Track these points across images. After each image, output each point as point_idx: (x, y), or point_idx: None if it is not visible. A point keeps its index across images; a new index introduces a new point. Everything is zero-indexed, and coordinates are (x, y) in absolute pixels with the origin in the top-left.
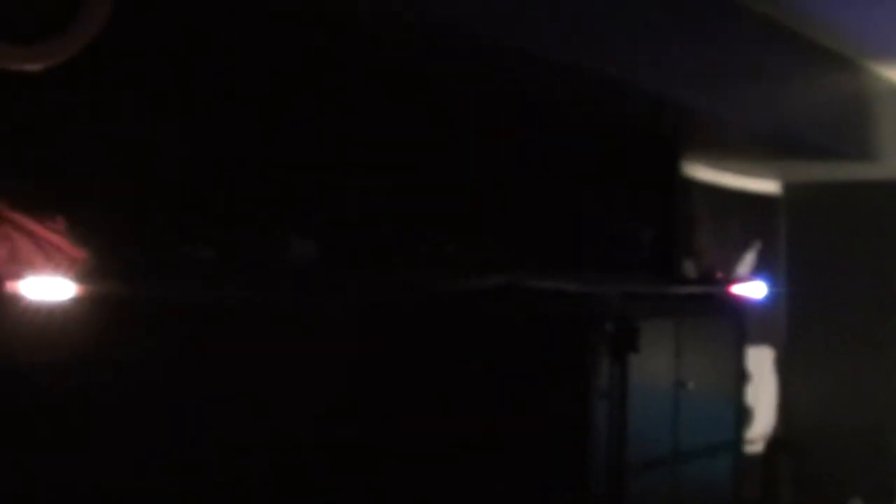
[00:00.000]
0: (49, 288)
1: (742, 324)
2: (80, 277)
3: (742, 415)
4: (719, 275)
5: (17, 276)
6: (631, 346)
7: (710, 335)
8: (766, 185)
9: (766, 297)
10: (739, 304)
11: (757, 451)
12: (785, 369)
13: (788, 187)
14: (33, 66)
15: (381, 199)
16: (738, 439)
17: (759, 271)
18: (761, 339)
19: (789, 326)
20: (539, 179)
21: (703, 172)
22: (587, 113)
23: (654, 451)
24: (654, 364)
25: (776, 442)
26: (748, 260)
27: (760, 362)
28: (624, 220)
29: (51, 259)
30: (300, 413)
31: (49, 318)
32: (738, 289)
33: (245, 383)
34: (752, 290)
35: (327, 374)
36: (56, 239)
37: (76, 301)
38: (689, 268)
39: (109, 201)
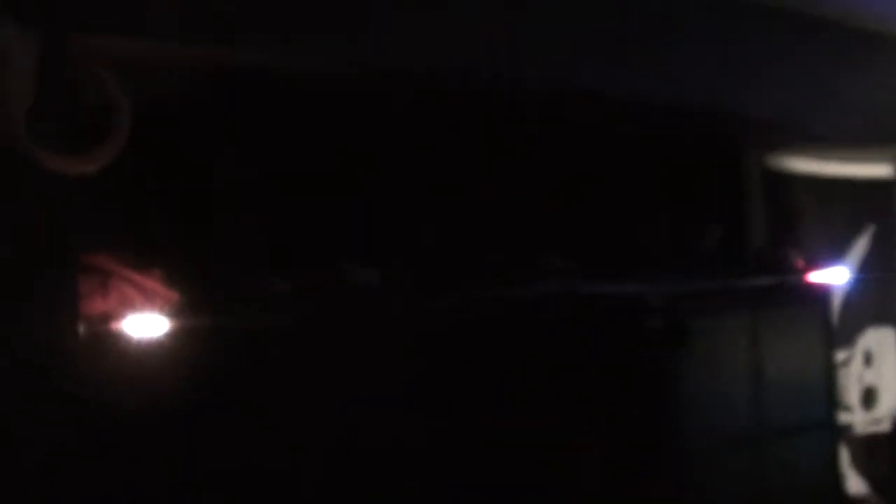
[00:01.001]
0: (149, 325)
1: (825, 309)
2: (175, 314)
3: (834, 397)
4: (799, 263)
5: (125, 317)
6: (679, 342)
7: (790, 322)
8: (877, 170)
9: (848, 283)
10: (819, 291)
11: (884, 430)
12: None
13: None
14: (85, 170)
15: (436, 221)
16: (829, 419)
17: (873, 255)
18: (882, 320)
19: None
20: (601, 185)
21: (806, 164)
22: (651, 123)
23: (732, 434)
24: (729, 353)
25: None
26: (861, 245)
27: (882, 343)
28: (691, 220)
29: (150, 301)
30: (372, 428)
31: (150, 348)
32: (817, 276)
33: (320, 402)
34: (833, 276)
35: (396, 390)
36: (153, 285)
37: (171, 334)
38: (794, 258)
39: (196, 251)
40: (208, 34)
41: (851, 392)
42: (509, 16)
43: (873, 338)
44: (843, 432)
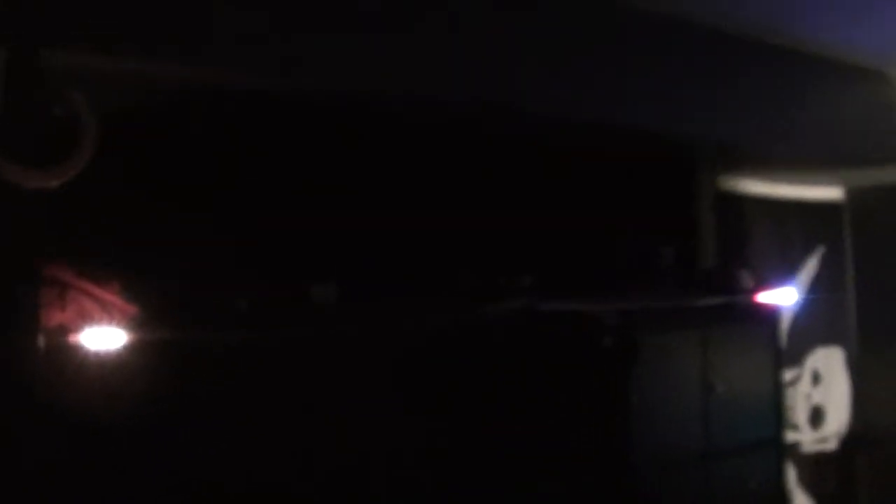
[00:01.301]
0: (107, 337)
1: (773, 328)
2: (132, 328)
3: (781, 415)
4: (749, 284)
5: (83, 329)
6: (631, 359)
7: (740, 341)
8: (827, 192)
9: (797, 303)
10: (768, 311)
11: (830, 449)
12: (858, 369)
13: (851, 192)
14: (48, 184)
15: (394, 237)
16: (777, 437)
17: (822, 276)
18: (830, 340)
19: (860, 327)
20: (557, 205)
21: (757, 186)
22: (606, 145)
23: (682, 450)
24: (680, 371)
25: (851, 440)
26: (811, 266)
27: (830, 362)
28: (644, 241)
29: (108, 314)
30: (332, 441)
31: (107, 361)
32: (766, 296)
33: (277, 416)
34: (781, 296)
35: (354, 404)
36: (112, 298)
37: (129, 347)
38: (746, 278)
39: (155, 265)
40: (174, 50)
41: (799, 411)
42: (473, 41)
43: (821, 357)
44: (791, 451)
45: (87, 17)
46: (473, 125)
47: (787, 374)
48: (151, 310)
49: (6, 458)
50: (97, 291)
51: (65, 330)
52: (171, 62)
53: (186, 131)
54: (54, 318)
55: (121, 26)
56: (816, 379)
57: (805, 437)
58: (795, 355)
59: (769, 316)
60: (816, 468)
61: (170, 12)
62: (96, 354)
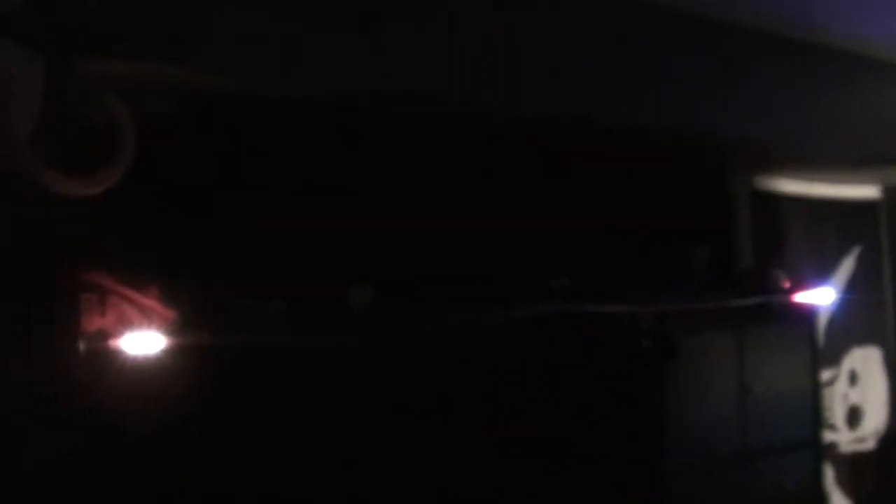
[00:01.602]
0: (146, 342)
1: (810, 329)
2: (171, 333)
3: (819, 415)
4: (785, 284)
5: (122, 334)
6: (668, 360)
7: (776, 341)
8: (863, 191)
9: (834, 303)
10: (805, 311)
11: (868, 449)
12: (895, 368)
13: (888, 191)
14: (88, 191)
15: (431, 240)
16: (814, 438)
17: (859, 276)
18: (868, 340)
19: None
20: (593, 208)
21: (793, 185)
22: (640, 146)
23: (719, 451)
24: (716, 372)
25: (889, 439)
26: (847, 265)
27: (868, 362)
28: (680, 241)
29: (147, 319)
30: (370, 444)
31: (147, 366)
32: (802, 296)
33: (316, 421)
34: (818, 296)
35: (392, 408)
36: (151, 303)
37: (168, 352)
38: (781, 278)
39: (193, 270)
40: (211, 58)
41: (836, 411)
42: (501, 45)
43: (858, 357)
44: (828, 451)
45: (124, 24)
46: (508, 128)
47: (825, 375)
48: (190, 314)
49: (46, 462)
50: (136, 297)
51: (104, 335)
52: (207, 67)
53: (223, 135)
54: (94, 323)
55: (158, 32)
56: (853, 379)
57: (842, 438)
58: (832, 355)
59: (806, 316)
60: (854, 468)
61: (205, 19)
62: (136, 359)
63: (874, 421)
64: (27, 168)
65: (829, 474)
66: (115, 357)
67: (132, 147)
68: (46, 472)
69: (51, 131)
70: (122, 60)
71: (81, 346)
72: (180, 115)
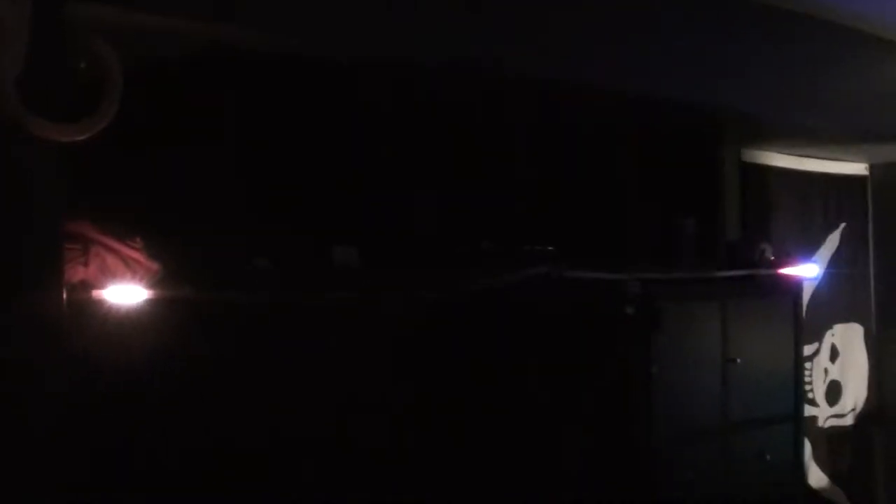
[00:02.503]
0: (130, 294)
1: (795, 303)
2: (155, 285)
3: (800, 389)
4: (770, 258)
5: (105, 285)
6: (652, 328)
7: (761, 314)
8: (851, 167)
9: (818, 278)
10: (790, 285)
11: (847, 425)
12: (876, 345)
13: (875, 168)
14: (75, 138)
15: (418, 203)
16: (795, 412)
17: (844, 252)
18: (850, 316)
19: (879, 303)
20: (582, 176)
21: (782, 159)
22: (630, 113)
23: (700, 421)
24: (700, 342)
25: (868, 416)
26: (832, 240)
27: (849, 338)
28: (667, 211)
29: (131, 271)
30: (346, 405)
31: (129, 317)
32: (788, 270)
33: (295, 376)
34: (804, 270)
35: (373, 369)
36: (135, 255)
37: (151, 304)
38: (768, 251)
39: (178, 222)
40: (200, 5)
41: (816, 386)
42: (492, 8)
43: (840, 333)
44: (807, 425)
45: None
46: (499, 93)
47: (806, 349)
48: (174, 267)
49: (29, 413)
50: (120, 248)
51: (87, 286)
52: (195, 16)
53: (211, 87)
54: (77, 273)
55: None
56: (834, 354)
57: (821, 413)
58: (814, 330)
59: (791, 289)
60: (832, 444)
61: None
62: (118, 310)
63: (853, 397)
64: (12, 114)
65: (807, 449)
66: (97, 308)
67: (119, 94)
68: (30, 425)
69: (37, 77)
70: (113, 5)
71: (64, 296)
72: (170, 63)
